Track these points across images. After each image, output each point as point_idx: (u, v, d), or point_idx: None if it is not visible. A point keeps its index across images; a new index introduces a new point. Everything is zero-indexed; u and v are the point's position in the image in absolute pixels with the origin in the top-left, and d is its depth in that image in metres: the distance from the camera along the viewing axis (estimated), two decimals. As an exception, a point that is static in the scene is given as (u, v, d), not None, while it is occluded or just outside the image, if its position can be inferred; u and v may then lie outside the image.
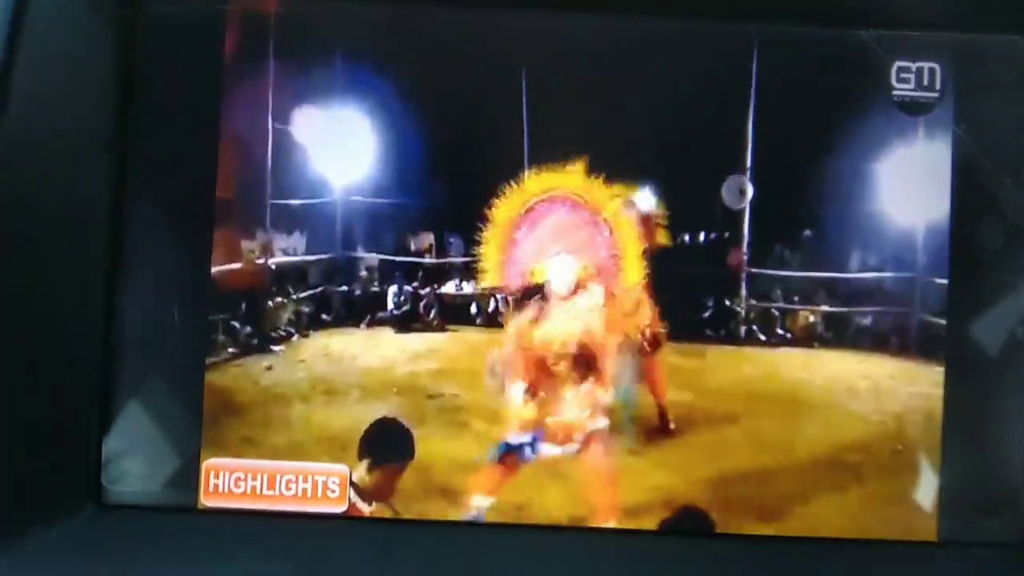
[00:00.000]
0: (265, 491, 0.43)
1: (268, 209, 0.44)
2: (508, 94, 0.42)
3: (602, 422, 0.42)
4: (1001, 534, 0.42)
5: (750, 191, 0.42)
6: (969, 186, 0.43)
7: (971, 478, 0.43)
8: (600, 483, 0.42)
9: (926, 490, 0.42)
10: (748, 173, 0.42)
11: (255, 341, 0.44)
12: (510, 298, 0.43)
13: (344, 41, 0.43)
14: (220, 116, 0.43)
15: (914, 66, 0.43)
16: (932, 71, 0.43)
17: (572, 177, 0.42)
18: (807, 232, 0.43)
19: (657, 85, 0.42)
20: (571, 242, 0.43)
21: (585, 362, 0.43)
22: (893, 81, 0.43)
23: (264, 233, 0.44)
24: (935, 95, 0.43)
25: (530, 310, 0.43)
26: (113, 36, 0.43)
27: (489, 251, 0.43)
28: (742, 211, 0.42)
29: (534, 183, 0.42)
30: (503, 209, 0.42)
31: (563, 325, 0.42)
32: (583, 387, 0.42)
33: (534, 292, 0.43)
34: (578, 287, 0.42)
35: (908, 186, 0.43)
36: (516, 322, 0.43)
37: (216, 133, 0.44)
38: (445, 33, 0.43)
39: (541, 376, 0.43)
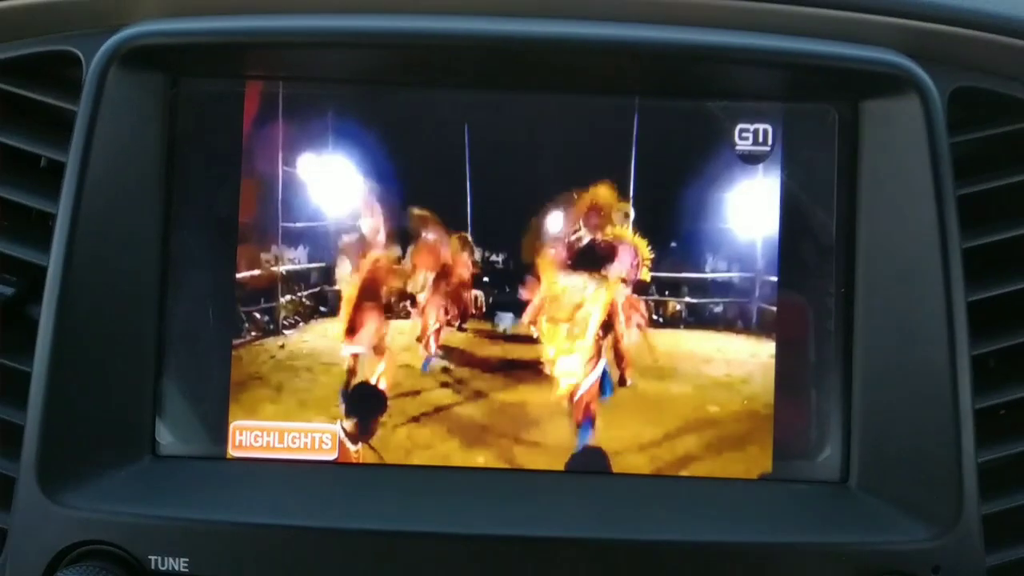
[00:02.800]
0: (277, 444, 0.53)
1: (279, 230, 0.54)
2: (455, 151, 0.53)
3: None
4: (823, 472, 0.53)
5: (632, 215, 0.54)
6: (792, 214, 0.53)
7: (797, 427, 0.53)
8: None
9: (764, 435, 0.54)
10: (631, 202, 0.53)
11: (271, 327, 0.54)
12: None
13: (334, 108, 0.53)
14: (242, 163, 0.53)
15: (751, 127, 0.53)
16: (766, 131, 0.53)
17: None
18: (674, 244, 0.54)
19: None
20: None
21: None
22: (736, 139, 0.53)
23: (276, 248, 0.53)
24: (767, 148, 0.53)
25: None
26: (160, 109, 0.52)
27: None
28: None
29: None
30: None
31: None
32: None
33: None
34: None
35: (749, 213, 0.53)
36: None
37: (239, 175, 0.53)
38: (407, 103, 0.53)
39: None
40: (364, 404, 0.54)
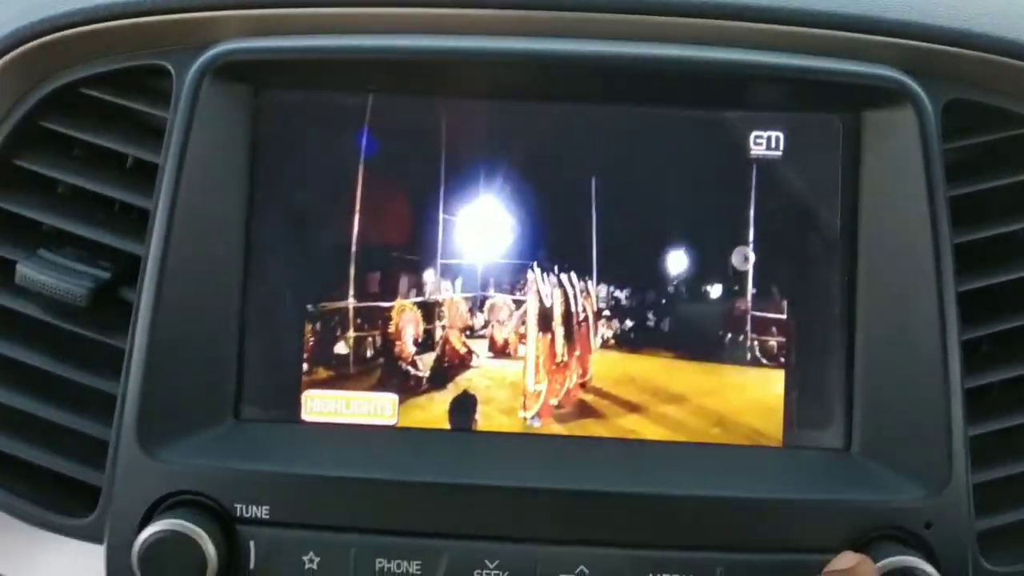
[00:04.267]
0: (343, 411, 0.58)
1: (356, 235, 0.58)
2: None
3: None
4: (828, 440, 0.57)
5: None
6: (801, 211, 0.57)
7: (806, 401, 0.57)
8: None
9: (775, 410, 0.57)
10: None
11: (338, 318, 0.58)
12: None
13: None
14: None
15: (765, 134, 0.57)
16: (777, 137, 0.57)
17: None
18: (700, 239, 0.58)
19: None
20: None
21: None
22: (751, 144, 0.57)
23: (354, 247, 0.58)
24: (779, 153, 0.57)
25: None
26: (246, 116, 0.57)
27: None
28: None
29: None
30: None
31: None
32: None
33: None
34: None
35: (764, 210, 0.57)
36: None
37: (315, 174, 0.57)
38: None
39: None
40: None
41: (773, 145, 0.57)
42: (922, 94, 0.55)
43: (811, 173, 0.57)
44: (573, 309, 0.58)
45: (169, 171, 0.56)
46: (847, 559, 0.49)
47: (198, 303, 0.56)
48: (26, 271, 0.57)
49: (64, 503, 0.58)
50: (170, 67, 0.58)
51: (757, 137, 0.58)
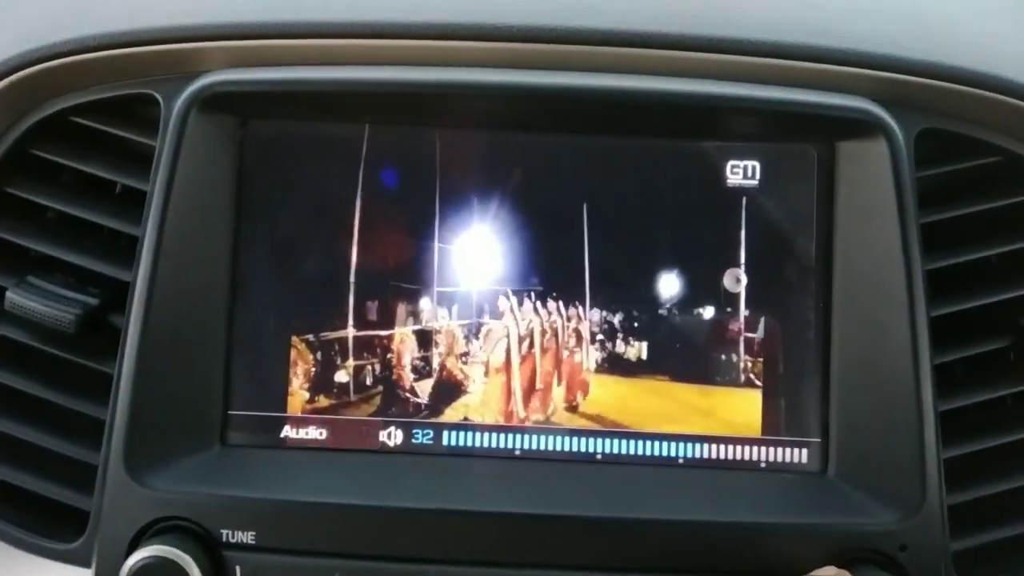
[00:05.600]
0: (328, 436, 0.58)
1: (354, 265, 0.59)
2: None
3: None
4: (805, 464, 0.57)
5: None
6: (777, 238, 0.58)
7: (782, 424, 0.58)
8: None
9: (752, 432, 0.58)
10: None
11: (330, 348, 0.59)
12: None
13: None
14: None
15: (741, 163, 0.58)
16: (754, 167, 0.58)
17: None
18: (675, 262, 0.59)
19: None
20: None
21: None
22: (728, 173, 0.58)
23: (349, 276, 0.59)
24: (755, 182, 0.58)
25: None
26: (232, 146, 0.57)
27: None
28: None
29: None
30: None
31: None
32: None
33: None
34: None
35: (739, 237, 0.58)
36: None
37: (298, 203, 0.58)
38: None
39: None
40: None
41: (749, 174, 0.59)
42: (894, 125, 0.56)
43: (787, 202, 0.59)
44: (566, 334, 0.58)
45: (157, 199, 0.56)
46: (828, 572, 0.50)
47: (185, 330, 0.57)
48: (15, 298, 0.58)
49: (52, 528, 0.58)
50: (158, 96, 0.58)
51: (734, 166, 0.59)
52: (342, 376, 0.59)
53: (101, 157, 0.60)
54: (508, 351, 0.59)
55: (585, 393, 0.59)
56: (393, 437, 0.59)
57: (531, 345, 0.59)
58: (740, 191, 0.58)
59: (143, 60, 0.59)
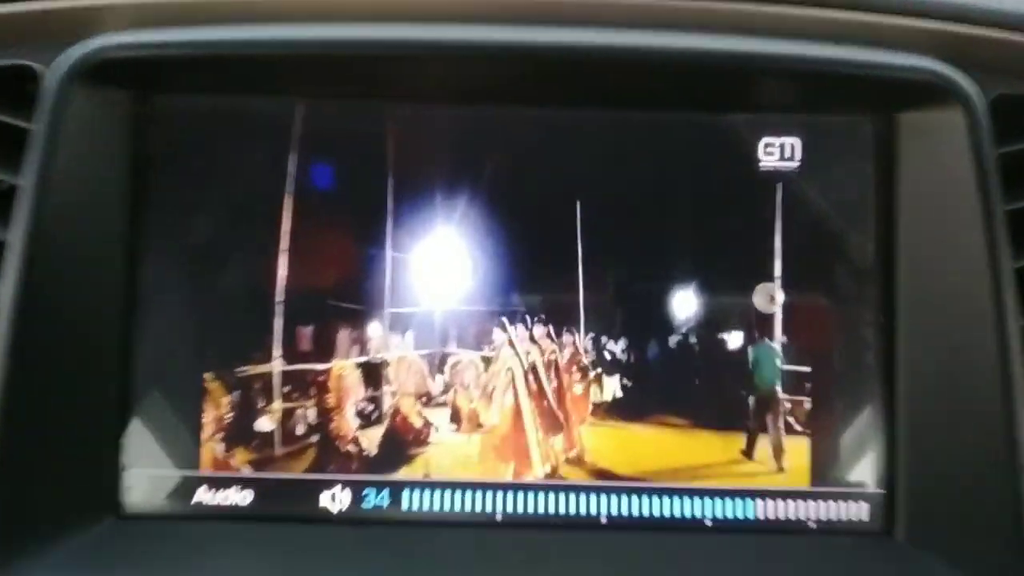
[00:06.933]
0: (248, 502, 0.50)
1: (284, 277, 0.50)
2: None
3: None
4: (865, 522, 0.50)
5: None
6: (824, 235, 0.51)
7: (836, 472, 0.50)
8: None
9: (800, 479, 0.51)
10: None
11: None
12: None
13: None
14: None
15: (777, 141, 0.51)
16: (792, 145, 0.51)
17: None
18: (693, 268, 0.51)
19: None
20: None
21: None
22: (760, 154, 0.51)
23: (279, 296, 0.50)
24: (795, 165, 0.51)
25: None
26: (128, 129, 0.50)
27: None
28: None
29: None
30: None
31: None
32: None
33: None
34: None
35: (776, 235, 0.51)
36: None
37: (225, 200, 0.50)
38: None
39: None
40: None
41: (788, 155, 0.51)
42: (972, 90, 0.48)
43: (836, 189, 0.51)
44: (557, 366, 0.51)
45: (28, 196, 0.47)
46: None
47: (67, 365, 0.48)
48: None
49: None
50: (35, 68, 0.49)
51: (768, 146, 0.51)
52: (265, 423, 0.50)
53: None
54: (483, 388, 0.51)
55: (582, 439, 0.51)
56: (338, 500, 0.51)
57: (512, 380, 0.51)
58: (776, 177, 0.51)
59: (18, 23, 0.50)
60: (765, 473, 0.50)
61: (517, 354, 0.51)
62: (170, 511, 0.50)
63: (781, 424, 0.51)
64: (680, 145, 0.51)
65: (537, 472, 0.50)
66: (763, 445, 0.50)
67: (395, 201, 0.51)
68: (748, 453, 0.50)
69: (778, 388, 0.50)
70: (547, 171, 0.51)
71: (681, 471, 0.50)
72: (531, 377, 0.51)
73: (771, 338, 0.51)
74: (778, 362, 0.51)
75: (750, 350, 0.50)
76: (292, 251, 0.50)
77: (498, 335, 0.51)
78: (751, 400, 0.50)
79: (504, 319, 0.51)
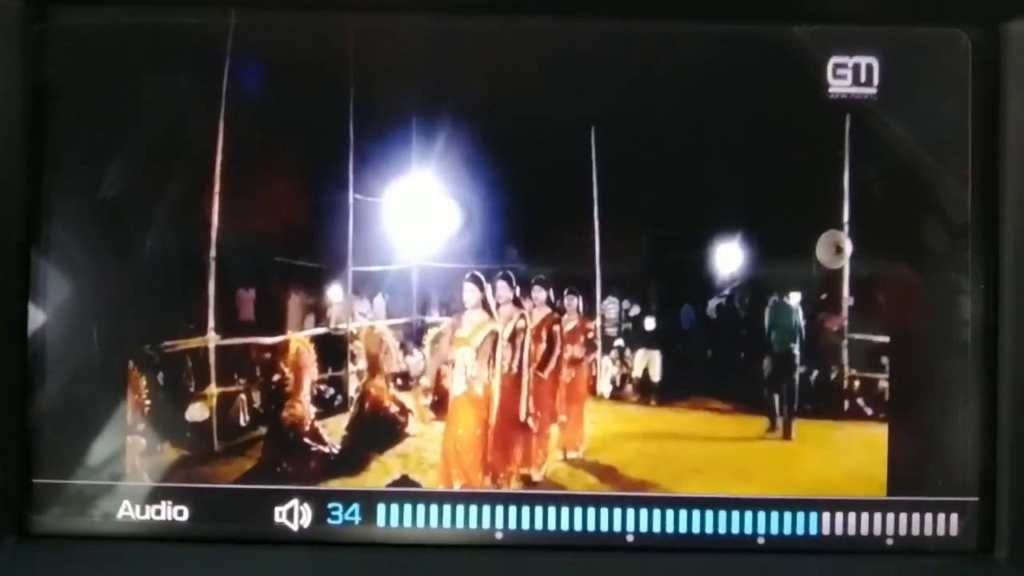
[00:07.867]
0: (171, 517, 0.43)
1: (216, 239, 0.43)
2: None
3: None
4: (959, 538, 0.44)
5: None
6: (908, 180, 0.44)
7: (922, 478, 0.44)
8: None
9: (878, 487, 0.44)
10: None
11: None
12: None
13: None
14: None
15: (850, 61, 0.44)
16: (869, 66, 0.44)
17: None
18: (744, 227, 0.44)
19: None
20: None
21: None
22: (830, 78, 0.44)
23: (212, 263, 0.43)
24: (872, 91, 0.44)
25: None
26: (20, 50, 0.42)
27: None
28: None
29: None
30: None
31: None
32: None
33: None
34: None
35: (847, 180, 0.44)
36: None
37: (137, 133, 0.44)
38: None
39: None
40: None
41: (863, 78, 0.45)
42: None
43: (922, 120, 0.45)
44: (566, 338, 0.44)
45: None
46: None
47: None
48: None
49: None
50: None
51: (838, 66, 0.44)
52: (198, 411, 0.44)
53: None
54: (472, 366, 0.45)
55: (597, 430, 0.45)
56: (297, 516, 0.43)
57: (512, 356, 0.45)
58: (847, 104, 0.44)
59: None
60: (828, 477, 0.43)
61: (513, 323, 0.44)
62: (85, 530, 0.43)
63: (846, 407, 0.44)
64: (725, 64, 0.44)
65: (544, 470, 0.44)
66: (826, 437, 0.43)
67: (358, 133, 0.44)
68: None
69: (795, 352, 0.44)
70: (552, 93, 0.44)
71: (722, 473, 0.44)
72: (532, 351, 0.44)
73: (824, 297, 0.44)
74: (797, 319, 0.44)
75: (767, 312, 0.44)
76: (227, 195, 0.43)
77: (489, 299, 0.44)
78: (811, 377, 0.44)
79: (497, 280, 0.44)
